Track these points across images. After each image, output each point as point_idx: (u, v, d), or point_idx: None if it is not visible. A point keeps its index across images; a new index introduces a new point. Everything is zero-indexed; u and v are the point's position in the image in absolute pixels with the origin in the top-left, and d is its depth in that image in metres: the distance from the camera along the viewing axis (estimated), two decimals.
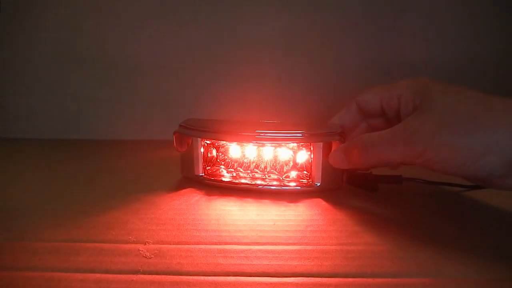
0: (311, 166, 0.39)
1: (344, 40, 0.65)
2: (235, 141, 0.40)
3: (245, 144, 0.40)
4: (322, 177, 0.38)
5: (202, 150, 0.41)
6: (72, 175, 0.48)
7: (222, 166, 0.42)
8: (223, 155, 0.42)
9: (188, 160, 0.41)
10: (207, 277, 0.24)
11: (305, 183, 0.39)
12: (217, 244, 0.29)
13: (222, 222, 0.33)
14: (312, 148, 0.38)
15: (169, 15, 0.65)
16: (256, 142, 0.39)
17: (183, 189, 0.41)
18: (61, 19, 0.66)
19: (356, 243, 0.29)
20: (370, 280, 0.24)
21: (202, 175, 0.41)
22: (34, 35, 0.67)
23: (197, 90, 0.67)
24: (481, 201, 0.38)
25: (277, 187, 0.39)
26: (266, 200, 0.38)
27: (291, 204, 0.36)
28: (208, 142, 0.41)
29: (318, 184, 0.38)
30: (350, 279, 0.24)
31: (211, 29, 0.66)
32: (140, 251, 0.27)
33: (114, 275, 0.24)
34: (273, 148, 0.40)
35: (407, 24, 0.63)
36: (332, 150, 0.37)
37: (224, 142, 0.41)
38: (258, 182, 0.40)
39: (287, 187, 0.39)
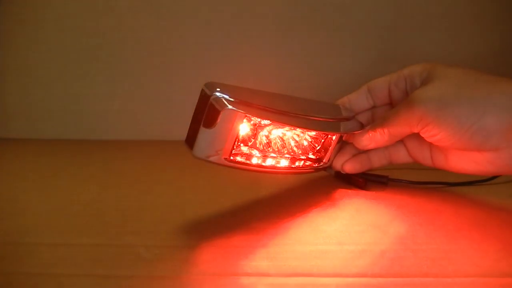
0: (329, 148, 0.41)
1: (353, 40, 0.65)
2: (296, 126, 0.36)
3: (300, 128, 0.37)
4: (331, 157, 0.41)
5: (240, 128, 0.33)
6: (72, 175, 0.48)
7: (255, 150, 0.36)
8: (254, 135, 0.36)
9: (215, 138, 0.32)
10: (207, 277, 0.24)
11: (316, 162, 0.41)
12: (217, 244, 0.29)
13: (222, 222, 0.33)
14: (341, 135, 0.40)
15: (170, 15, 0.65)
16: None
17: (186, 186, 0.41)
18: (61, 19, 0.66)
19: (356, 243, 0.29)
20: (370, 280, 0.24)
21: (230, 157, 0.34)
22: (34, 35, 0.67)
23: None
24: (477, 197, 0.38)
25: (292, 169, 0.40)
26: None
27: (291, 204, 0.37)
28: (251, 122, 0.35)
29: (325, 161, 0.41)
30: (350, 279, 0.24)
31: (213, 28, 0.66)
32: (140, 251, 0.27)
33: (114, 275, 0.24)
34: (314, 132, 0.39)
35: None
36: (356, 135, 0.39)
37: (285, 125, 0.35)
38: (270, 163, 0.38)
39: (302, 167, 0.40)
